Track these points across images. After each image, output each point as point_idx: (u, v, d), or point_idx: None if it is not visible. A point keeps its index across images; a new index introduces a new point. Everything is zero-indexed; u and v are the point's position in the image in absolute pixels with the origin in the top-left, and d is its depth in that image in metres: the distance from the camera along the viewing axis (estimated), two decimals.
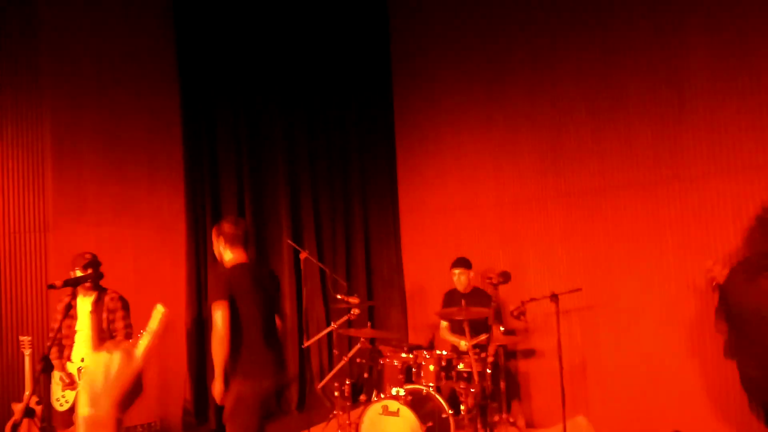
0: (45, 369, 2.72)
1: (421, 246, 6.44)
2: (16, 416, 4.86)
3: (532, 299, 3.97)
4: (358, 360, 4.97)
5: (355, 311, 4.93)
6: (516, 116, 5.21)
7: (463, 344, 4.67)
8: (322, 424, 4.95)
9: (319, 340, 5.63)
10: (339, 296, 4.89)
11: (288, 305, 6.14)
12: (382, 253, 6.78)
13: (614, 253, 4.45)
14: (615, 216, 4.44)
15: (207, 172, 5.86)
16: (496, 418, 4.45)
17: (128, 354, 1.55)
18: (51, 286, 2.81)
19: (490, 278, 2.76)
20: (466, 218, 5.77)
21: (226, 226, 3.46)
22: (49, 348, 2.84)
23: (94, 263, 3.95)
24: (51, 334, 3.99)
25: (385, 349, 4.81)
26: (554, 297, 3.88)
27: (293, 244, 5.39)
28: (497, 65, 5.43)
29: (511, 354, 4.85)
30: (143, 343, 1.83)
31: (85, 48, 5.48)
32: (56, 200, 5.32)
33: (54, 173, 5.34)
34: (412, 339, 6.25)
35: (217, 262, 3.53)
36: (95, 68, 5.48)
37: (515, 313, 4.10)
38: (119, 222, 5.39)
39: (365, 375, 5.09)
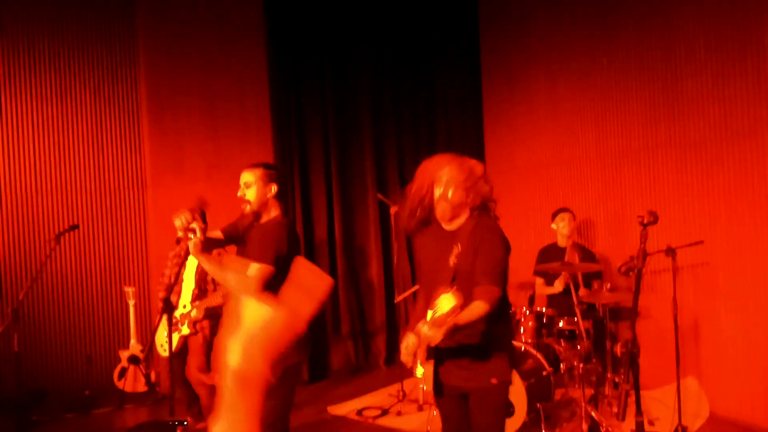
0: (166, 310, 2.78)
1: (508, 204, 6.19)
2: (123, 362, 5.14)
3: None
4: None
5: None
6: (623, 60, 4.81)
7: (557, 285, 4.50)
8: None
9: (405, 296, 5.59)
10: None
11: (374, 261, 6.13)
12: None
13: (736, 206, 4.08)
14: (737, 166, 4.05)
15: (294, 129, 5.86)
16: (598, 377, 4.28)
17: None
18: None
19: (641, 217, 2.55)
20: (561, 173, 5.48)
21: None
22: (170, 290, 2.91)
23: (202, 214, 4.06)
24: (165, 280, 4.14)
25: None
26: (671, 251, 3.60)
27: (384, 199, 5.31)
28: (599, 7, 5.04)
29: (614, 313, 4.62)
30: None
31: (177, 7, 5.53)
32: (153, 158, 5.48)
33: (150, 131, 5.49)
34: None
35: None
36: (188, 27, 5.54)
37: (623, 269, 3.86)
38: (213, 178, 5.49)
39: None
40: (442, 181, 2.44)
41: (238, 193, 2.87)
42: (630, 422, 2.63)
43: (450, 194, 2.41)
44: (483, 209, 2.44)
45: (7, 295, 5.01)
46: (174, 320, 4.02)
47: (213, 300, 3.94)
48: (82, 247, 5.35)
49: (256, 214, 2.87)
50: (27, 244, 5.16)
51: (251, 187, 2.84)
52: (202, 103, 5.56)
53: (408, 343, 2.20)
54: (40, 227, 5.22)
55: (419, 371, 2.35)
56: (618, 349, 2.18)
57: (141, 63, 5.50)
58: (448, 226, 2.47)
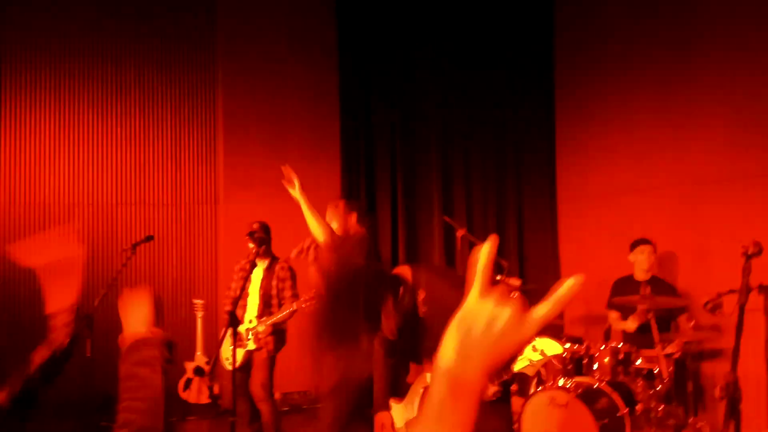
0: (232, 323, 2.81)
1: (581, 232, 5.98)
2: (188, 374, 5.22)
3: (732, 291, 3.44)
4: None
5: (515, 295, 4.67)
6: (703, 84, 4.58)
7: (630, 322, 4.25)
8: None
9: None
10: (498, 277, 4.64)
11: None
12: (536, 238, 6.41)
13: None
14: None
15: (362, 149, 5.91)
16: (678, 421, 3.98)
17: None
18: None
19: (745, 247, 2.36)
20: (637, 202, 5.23)
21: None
22: (235, 304, 2.96)
23: (267, 229, 4.13)
24: (231, 293, 4.20)
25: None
26: (763, 288, 3.33)
27: (450, 221, 5.23)
28: (680, 25, 4.82)
29: (697, 354, 4.32)
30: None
31: (255, 32, 5.73)
32: (227, 174, 5.64)
33: (225, 149, 5.66)
34: (568, 330, 5.86)
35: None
36: (263, 52, 5.73)
37: (709, 306, 3.60)
38: (282, 196, 5.54)
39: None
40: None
41: None
42: None
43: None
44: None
45: (84, 303, 5.21)
46: (239, 335, 4.05)
47: (279, 316, 3.96)
48: (155, 259, 5.52)
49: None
50: (105, 254, 5.37)
51: (333, 221, 3.41)
52: (274, 123, 5.71)
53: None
54: (118, 238, 5.42)
55: None
56: (717, 393, 1.97)
57: (219, 85, 5.70)
58: None
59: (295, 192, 3.52)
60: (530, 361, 1.97)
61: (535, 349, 1.95)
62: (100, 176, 5.48)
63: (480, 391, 0.96)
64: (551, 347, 1.92)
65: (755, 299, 3.57)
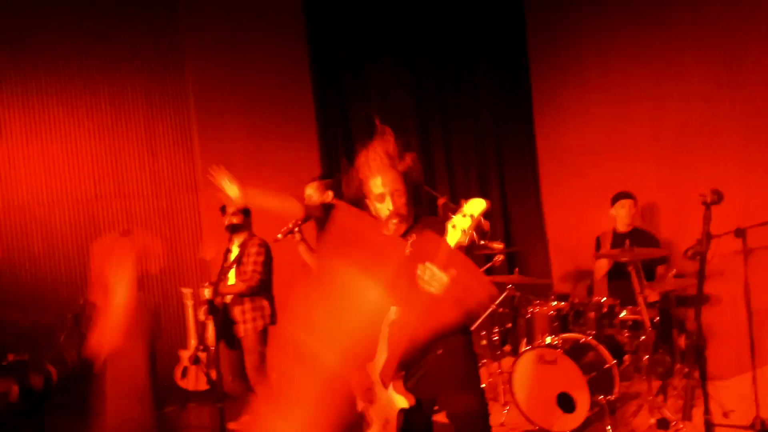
0: (211, 311, 2.81)
1: (563, 189, 5.99)
2: (184, 362, 5.25)
3: (711, 236, 3.47)
4: (500, 310, 4.75)
5: (499, 258, 4.70)
6: (680, 32, 4.56)
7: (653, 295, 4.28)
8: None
9: None
10: (482, 242, 4.66)
11: None
12: (519, 198, 6.42)
13: None
14: None
15: (339, 127, 5.85)
16: (665, 368, 4.06)
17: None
18: None
19: (703, 195, 2.38)
20: (617, 155, 5.24)
21: None
22: (214, 291, 2.96)
23: (246, 210, 4.14)
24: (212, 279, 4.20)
25: (533, 297, 4.56)
26: (740, 232, 3.36)
27: (430, 190, 5.22)
28: None
29: (681, 300, 4.37)
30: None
31: (220, 12, 5.61)
32: (204, 160, 5.58)
33: (200, 136, 5.59)
34: (557, 288, 5.92)
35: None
36: (230, 35, 5.63)
37: (690, 254, 3.63)
38: (261, 178, 5.49)
39: (508, 325, 4.86)
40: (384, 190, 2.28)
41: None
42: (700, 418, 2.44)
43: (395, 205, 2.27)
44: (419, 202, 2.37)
45: (69, 300, 5.20)
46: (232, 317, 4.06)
47: (233, 287, 3.96)
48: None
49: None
50: (87, 250, 5.33)
51: (311, 198, 3.44)
52: (247, 107, 5.65)
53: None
54: (100, 234, 5.38)
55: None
56: (683, 342, 2.00)
57: (188, 70, 5.61)
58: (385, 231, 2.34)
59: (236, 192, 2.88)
60: (463, 231, 1.98)
61: (464, 216, 1.96)
62: (76, 172, 5.41)
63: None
64: (476, 206, 1.95)
65: (735, 242, 3.61)
